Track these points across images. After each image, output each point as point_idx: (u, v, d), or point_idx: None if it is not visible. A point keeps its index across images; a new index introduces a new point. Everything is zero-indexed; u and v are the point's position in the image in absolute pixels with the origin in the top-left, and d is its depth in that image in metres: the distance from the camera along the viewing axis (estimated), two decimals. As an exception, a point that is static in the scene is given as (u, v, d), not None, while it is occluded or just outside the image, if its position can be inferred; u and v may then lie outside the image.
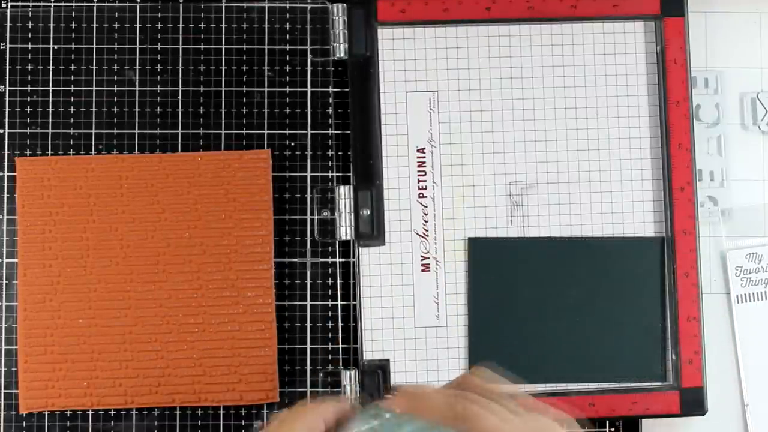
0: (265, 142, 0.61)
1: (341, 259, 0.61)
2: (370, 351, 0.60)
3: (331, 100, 0.62)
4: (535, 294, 0.60)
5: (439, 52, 0.61)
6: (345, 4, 0.61)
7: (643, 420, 0.61)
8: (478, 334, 0.60)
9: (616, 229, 0.61)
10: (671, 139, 0.61)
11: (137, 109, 0.61)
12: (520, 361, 0.60)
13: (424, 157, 0.61)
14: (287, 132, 0.62)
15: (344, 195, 0.61)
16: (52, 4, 0.62)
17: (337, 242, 0.61)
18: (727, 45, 0.62)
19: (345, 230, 0.60)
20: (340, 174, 0.62)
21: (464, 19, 0.61)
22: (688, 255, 0.60)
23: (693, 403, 0.60)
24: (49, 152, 0.61)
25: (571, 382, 0.60)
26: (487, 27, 0.61)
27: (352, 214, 0.60)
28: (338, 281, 0.61)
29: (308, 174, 0.62)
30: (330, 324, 0.61)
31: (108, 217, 0.59)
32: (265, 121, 0.61)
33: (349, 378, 0.60)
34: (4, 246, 0.61)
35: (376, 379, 0.60)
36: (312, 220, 0.61)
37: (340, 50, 0.61)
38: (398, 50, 0.61)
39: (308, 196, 0.61)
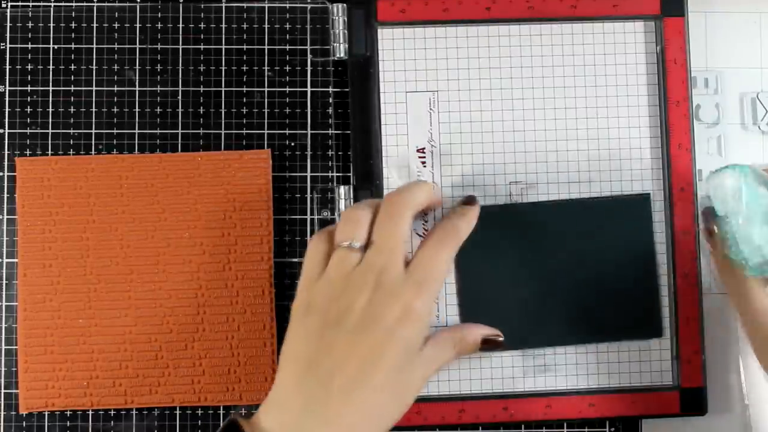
0: (265, 142, 0.61)
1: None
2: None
3: (331, 100, 0.62)
4: (527, 259, 0.60)
5: (439, 52, 0.61)
6: (345, 4, 0.61)
7: (643, 420, 0.61)
8: (471, 306, 0.60)
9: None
10: (671, 139, 0.61)
11: (137, 109, 0.61)
12: (519, 326, 0.59)
13: (424, 157, 0.61)
14: (287, 132, 0.62)
15: (344, 195, 0.61)
16: (52, 4, 0.62)
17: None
18: (727, 45, 0.62)
19: (345, 230, 0.60)
20: (340, 174, 0.62)
21: (464, 19, 0.61)
22: (688, 255, 0.60)
23: (693, 403, 0.60)
24: (49, 152, 0.61)
25: (571, 343, 0.60)
26: (487, 27, 0.61)
27: (352, 214, 0.60)
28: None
29: (308, 174, 0.62)
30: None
31: (108, 217, 0.59)
32: (265, 121, 0.61)
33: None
34: (4, 246, 0.61)
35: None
36: (312, 220, 0.61)
37: (340, 50, 0.61)
38: (398, 50, 0.61)
39: (308, 196, 0.61)
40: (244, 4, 0.62)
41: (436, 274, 0.53)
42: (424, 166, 0.61)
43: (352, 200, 0.60)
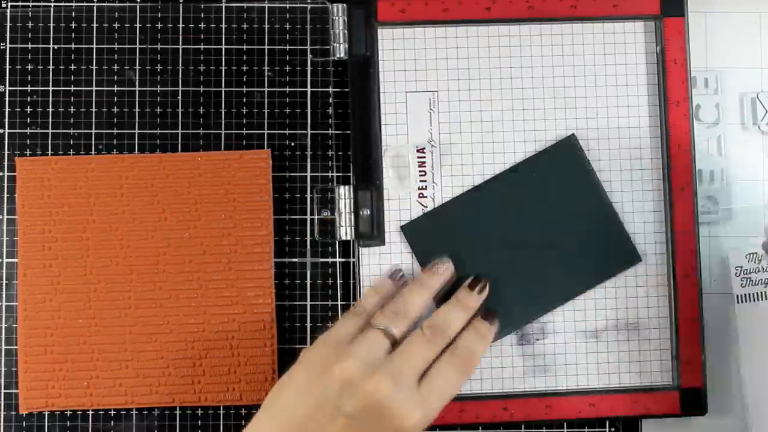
0: (265, 142, 0.61)
1: (341, 259, 0.61)
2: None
3: (331, 100, 0.62)
4: (494, 239, 0.60)
5: (439, 52, 0.61)
6: (345, 4, 0.61)
7: (642, 420, 0.61)
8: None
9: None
10: (671, 139, 0.61)
11: (137, 109, 0.61)
12: (511, 303, 0.60)
13: (424, 157, 0.61)
14: (287, 132, 0.62)
15: (344, 195, 0.61)
16: (52, 4, 0.62)
17: (337, 242, 0.61)
18: (727, 45, 0.62)
19: (345, 230, 0.60)
20: (340, 174, 0.62)
21: (464, 19, 0.61)
22: (688, 255, 0.60)
23: (693, 403, 0.60)
24: (49, 152, 0.61)
25: (563, 300, 0.60)
26: (487, 27, 0.61)
27: (352, 214, 0.60)
28: (338, 281, 0.61)
29: (308, 174, 0.62)
30: (330, 324, 0.61)
31: (108, 217, 0.59)
32: (265, 121, 0.61)
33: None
34: (4, 246, 0.61)
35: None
36: (312, 220, 0.61)
37: (340, 50, 0.61)
38: (398, 50, 0.61)
39: (308, 196, 0.61)
40: (244, 4, 0.62)
41: (447, 398, 0.54)
42: (425, 166, 0.61)
43: (352, 200, 0.60)
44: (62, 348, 0.59)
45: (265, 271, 0.60)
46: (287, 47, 0.62)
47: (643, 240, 0.61)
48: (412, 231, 0.60)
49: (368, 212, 0.60)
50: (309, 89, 0.62)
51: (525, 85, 0.61)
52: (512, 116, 0.61)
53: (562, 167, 0.60)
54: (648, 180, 0.61)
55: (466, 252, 0.60)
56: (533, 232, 0.60)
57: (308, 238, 0.61)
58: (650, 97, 0.61)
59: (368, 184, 0.60)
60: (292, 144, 0.62)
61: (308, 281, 0.61)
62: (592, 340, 0.60)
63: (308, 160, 0.62)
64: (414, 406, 0.52)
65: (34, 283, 0.59)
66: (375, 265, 0.60)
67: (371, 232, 0.60)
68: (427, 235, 0.60)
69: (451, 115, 0.61)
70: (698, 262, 0.60)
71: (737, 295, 0.60)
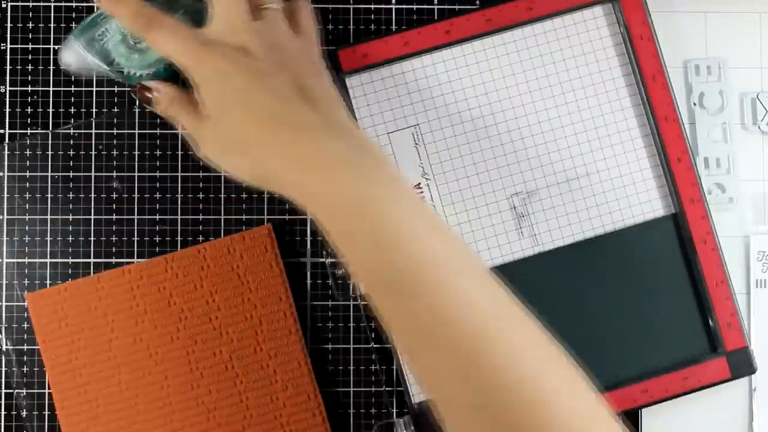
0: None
1: (354, 302, 0.61)
2: (418, 393, 0.60)
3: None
4: (567, 303, 0.60)
5: (410, 85, 0.61)
6: (307, 62, 0.61)
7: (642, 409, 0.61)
8: None
9: (625, 214, 0.61)
10: (656, 113, 0.61)
11: (137, 109, 0.61)
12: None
13: (423, 192, 0.61)
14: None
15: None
16: (52, 4, 0.61)
17: (354, 292, 0.61)
18: (726, 45, 0.62)
19: (362, 284, 0.60)
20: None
21: (426, 48, 0.61)
22: (700, 222, 0.60)
23: (741, 364, 0.60)
24: (49, 152, 0.60)
25: (626, 377, 0.60)
26: (450, 49, 0.61)
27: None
28: (361, 324, 0.61)
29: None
30: (330, 325, 0.61)
31: (129, 330, 0.59)
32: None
33: (402, 426, 0.60)
34: (5, 246, 0.60)
35: (429, 419, 0.60)
36: (330, 279, 0.61)
37: (314, 108, 0.61)
38: (370, 94, 0.61)
39: (325, 260, 0.61)
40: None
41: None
42: (424, 201, 0.61)
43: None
44: (118, 469, 0.59)
45: (296, 343, 0.59)
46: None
47: (652, 215, 0.61)
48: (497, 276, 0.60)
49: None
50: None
51: (502, 97, 0.61)
52: (497, 130, 0.61)
53: (658, 241, 0.61)
54: (644, 158, 0.61)
55: (541, 308, 0.59)
56: (613, 298, 0.60)
57: (308, 238, 0.61)
58: (626, 77, 0.61)
59: (374, 232, 0.60)
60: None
61: (308, 281, 0.61)
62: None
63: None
64: None
65: (75, 412, 0.59)
66: (401, 309, 0.60)
67: (389, 279, 0.60)
68: (512, 283, 0.60)
69: (437, 144, 0.61)
70: (712, 227, 0.60)
71: (756, 280, 0.60)
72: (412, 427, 0.60)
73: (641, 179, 0.61)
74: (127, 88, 0.61)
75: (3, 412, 0.60)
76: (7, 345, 0.60)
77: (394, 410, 0.61)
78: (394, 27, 0.62)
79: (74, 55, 0.58)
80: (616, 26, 0.61)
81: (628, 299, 0.60)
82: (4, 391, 0.60)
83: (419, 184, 0.61)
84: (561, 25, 0.62)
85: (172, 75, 0.58)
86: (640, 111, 0.61)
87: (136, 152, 0.61)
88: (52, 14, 0.61)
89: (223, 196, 0.61)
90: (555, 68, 0.61)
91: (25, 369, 0.60)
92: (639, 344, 0.60)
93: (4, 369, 0.60)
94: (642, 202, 0.61)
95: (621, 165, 0.61)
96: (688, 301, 0.60)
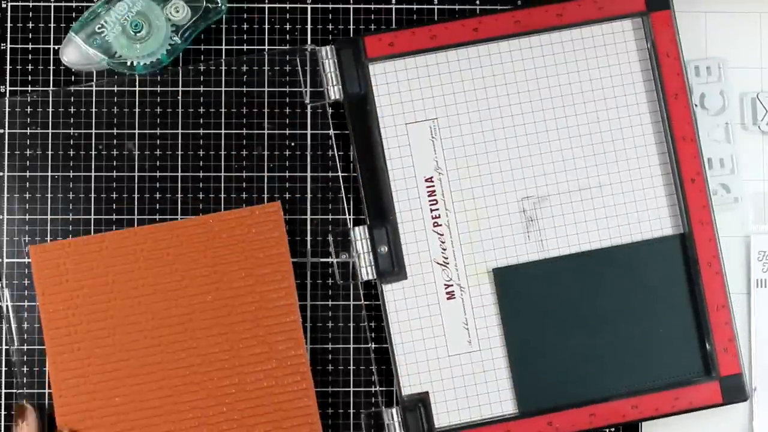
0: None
1: (364, 302, 0.61)
2: (408, 386, 0.60)
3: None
4: (568, 310, 0.60)
5: (432, 79, 0.61)
6: (333, 46, 0.61)
7: (643, 423, 0.61)
8: (520, 359, 0.60)
9: (633, 229, 0.61)
10: (674, 131, 0.61)
11: (137, 109, 0.61)
12: (566, 378, 0.60)
13: (434, 186, 0.61)
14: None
15: (360, 236, 0.60)
16: (52, 4, 0.61)
17: (360, 283, 0.61)
18: (727, 45, 0.62)
19: (366, 270, 0.60)
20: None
21: (453, 43, 0.61)
22: (707, 244, 0.60)
23: (734, 390, 0.60)
24: (49, 152, 0.60)
25: (618, 390, 0.60)
26: (476, 47, 0.61)
27: (371, 253, 0.60)
28: (367, 324, 0.61)
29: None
30: (330, 324, 0.61)
31: (129, 292, 0.59)
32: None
33: (390, 416, 0.60)
34: (4, 246, 0.60)
35: (417, 414, 0.60)
36: (331, 263, 0.61)
37: (335, 92, 0.61)
38: (392, 83, 0.61)
39: (329, 238, 0.61)
40: (233, 65, 0.61)
41: None
42: (435, 195, 0.61)
43: (368, 239, 0.60)
44: (104, 429, 0.59)
45: (292, 323, 0.59)
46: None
47: (660, 233, 0.61)
48: (502, 277, 0.60)
49: (386, 249, 0.60)
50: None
51: (522, 100, 0.61)
52: (514, 132, 0.61)
53: (664, 260, 0.61)
54: (658, 176, 0.61)
55: (543, 312, 0.60)
56: (613, 311, 0.60)
57: (308, 239, 0.61)
58: (648, 93, 0.61)
59: (382, 220, 0.60)
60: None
61: (308, 281, 0.61)
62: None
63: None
64: None
65: (65, 368, 0.59)
66: (400, 300, 0.60)
67: (392, 269, 0.60)
68: (514, 284, 0.60)
69: (453, 140, 0.61)
70: (719, 250, 0.60)
71: (757, 280, 0.60)
72: (401, 418, 0.60)
73: (653, 196, 0.61)
74: (126, 88, 0.61)
75: (3, 412, 0.61)
76: (7, 301, 0.60)
77: (382, 399, 0.61)
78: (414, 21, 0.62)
79: (76, 51, 0.58)
80: (643, 41, 0.61)
81: (628, 314, 0.60)
82: (4, 391, 0.61)
83: (431, 177, 0.61)
84: (589, 34, 0.62)
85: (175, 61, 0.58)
86: (659, 128, 0.61)
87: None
88: (52, 14, 0.61)
89: (223, 196, 0.61)
90: (578, 77, 0.61)
91: (25, 325, 0.60)
92: (634, 359, 0.60)
93: (4, 369, 0.60)
94: (651, 219, 0.61)
95: (634, 180, 0.61)
96: (687, 321, 0.60)
